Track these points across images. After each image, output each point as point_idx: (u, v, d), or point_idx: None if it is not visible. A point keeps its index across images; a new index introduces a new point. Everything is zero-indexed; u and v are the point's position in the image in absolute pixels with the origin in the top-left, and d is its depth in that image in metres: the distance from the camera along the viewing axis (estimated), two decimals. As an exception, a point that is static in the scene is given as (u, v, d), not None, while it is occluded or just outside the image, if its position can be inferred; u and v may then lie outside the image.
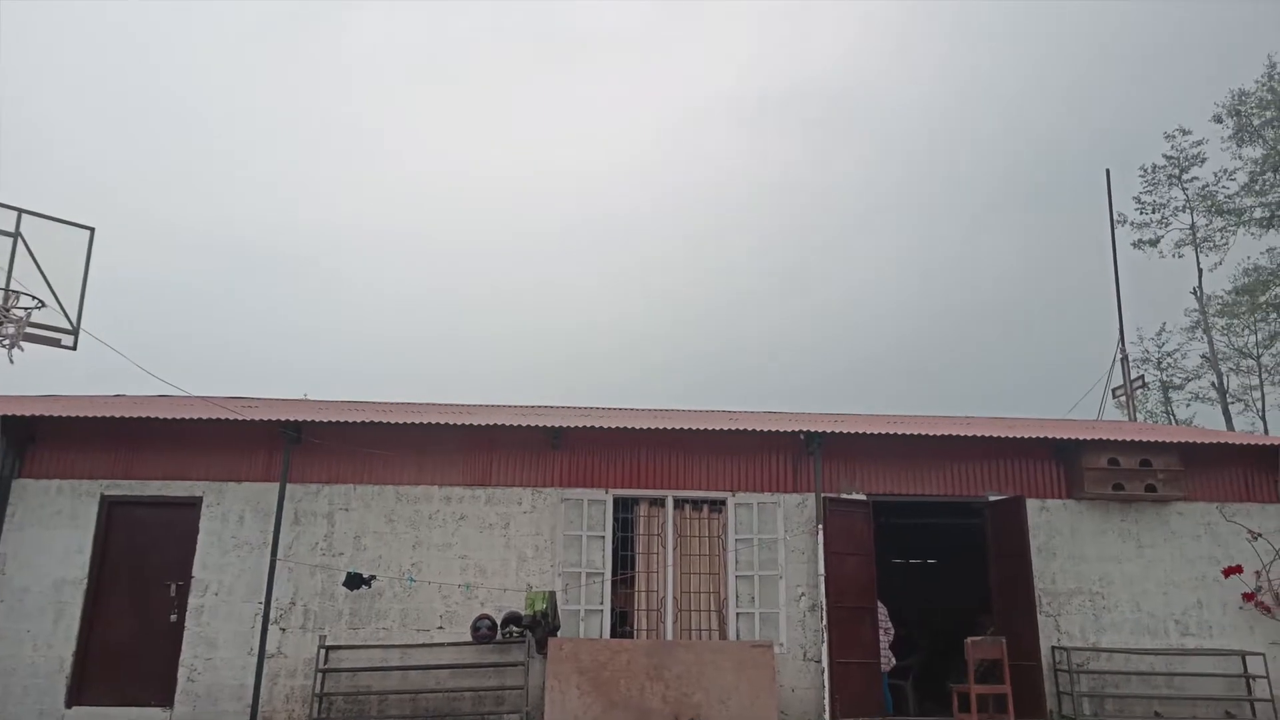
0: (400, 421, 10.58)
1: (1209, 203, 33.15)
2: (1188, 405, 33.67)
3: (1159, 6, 61.68)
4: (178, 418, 10.37)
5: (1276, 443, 11.30)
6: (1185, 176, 33.60)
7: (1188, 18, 58.63)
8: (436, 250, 68.41)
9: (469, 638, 10.05)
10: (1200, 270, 32.81)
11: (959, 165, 67.95)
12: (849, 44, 75.79)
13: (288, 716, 9.95)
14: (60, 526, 10.43)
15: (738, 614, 10.59)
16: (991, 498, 11.24)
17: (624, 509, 11.00)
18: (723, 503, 11.00)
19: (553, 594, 10.20)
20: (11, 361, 8.32)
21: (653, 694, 9.70)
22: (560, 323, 65.00)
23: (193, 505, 10.55)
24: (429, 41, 74.31)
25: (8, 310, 8.46)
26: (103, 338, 9.36)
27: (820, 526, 10.71)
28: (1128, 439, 11.09)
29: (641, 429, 10.72)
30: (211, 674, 10.06)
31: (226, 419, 10.43)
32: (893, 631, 11.43)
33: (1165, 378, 34.13)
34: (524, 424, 10.60)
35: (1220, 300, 33.05)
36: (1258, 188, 32.39)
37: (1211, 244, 33.12)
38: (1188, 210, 33.55)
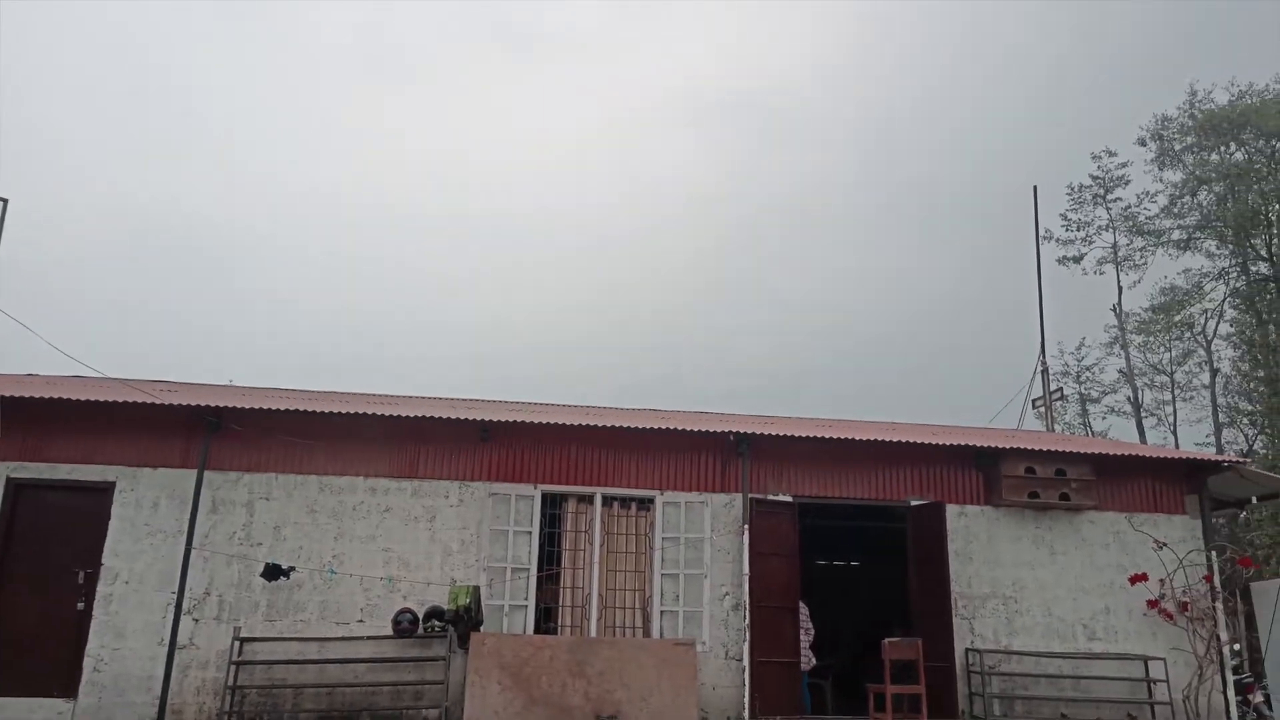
0: (326, 411, 10.39)
1: (1131, 223, 34.33)
2: (1104, 418, 34.83)
3: (1096, 32, 63.68)
4: (92, 400, 10.02)
5: (1183, 456, 11.76)
6: (1110, 197, 34.76)
7: (1123, 45, 60.64)
8: (371, 244, 67.44)
9: (390, 631, 9.92)
10: (1120, 288, 33.99)
11: (901, 178, 69.29)
12: (798, 56, 76.70)
13: (198, 709, 9.70)
14: (-38, 509, 10.01)
15: (662, 612, 10.63)
16: (913, 502, 11.49)
17: (552, 505, 10.96)
18: (651, 501, 11.04)
19: (477, 589, 10.12)
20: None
21: (574, 691, 9.69)
22: (498, 317, 64.58)
23: (105, 491, 10.21)
24: (374, 32, 73.09)
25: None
26: (19, 315, 9.00)
27: (746, 527, 10.82)
28: (1044, 449, 11.43)
29: (572, 425, 10.71)
30: (119, 664, 9.75)
31: (144, 403, 10.11)
32: (813, 631, 11.61)
33: (1084, 391, 35.26)
34: (453, 417, 10.49)
35: (1138, 318, 34.24)
36: (1176, 210, 33.64)
37: (1132, 263, 34.31)
38: (1111, 230, 34.71)
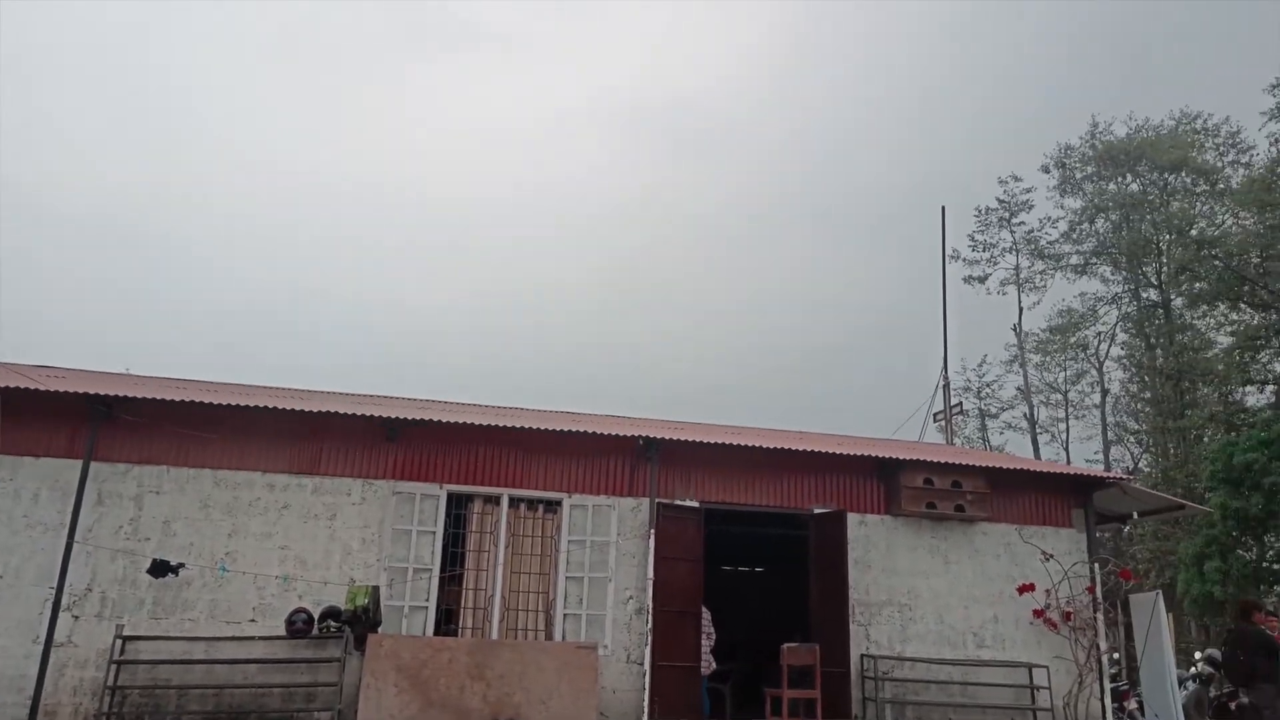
0: (224, 403, 10.03)
1: (1033, 246, 35.71)
2: (1001, 433, 36.13)
3: (1014, 67, 66.04)
4: (-31, 383, 9.48)
5: (1071, 472, 12.26)
6: (1014, 220, 36.08)
7: (1038, 76, 63.04)
8: (283, 237, 65.67)
9: (283, 632, 9.64)
10: (1021, 308, 35.34)
11: (820, 196, 70.66)
12: (726, 70, 77.57)
13: (74, 710, 9.25)
14: None
15: (565, 615, 10.59)
16: (816, 510, 11.70)
17: (458, 505, 10.82)
18: (558, 503, 10.99)
19: (376, 589, 9.92)
20: None
21: (473, 693, 9.57)
22: (412, 314, 63.54)
23: (-19, 480, 9.67)
24: (292, 21, 71.17)
25: None
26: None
27: (652, 531, 10.86)
28: (942, 461, 11.78)
29: (481, 425, 10.58)
30: (-11, 663, 9.24)
31: (26, 389, 9.61)
32: (714, 635, 11.72)
33: (984, 406, 36.49)
34: (358, 413, 10.25)
35: (1036, 338, 35.62)
36: (1075, 236, 35.13)
37: (1032, 285, 35.71)
38: (1014, 252, 36.03)
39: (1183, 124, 33.56)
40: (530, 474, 10.98)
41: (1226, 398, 27.65)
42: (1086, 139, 35.37)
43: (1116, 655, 15.52)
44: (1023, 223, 35.78)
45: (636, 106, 77.21)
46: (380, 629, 9.84)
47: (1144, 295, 33.22)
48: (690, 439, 11.24)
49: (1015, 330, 35.24)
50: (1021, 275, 35.46)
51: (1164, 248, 31.92)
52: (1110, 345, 34.40)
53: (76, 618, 9.50)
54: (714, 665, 11.70)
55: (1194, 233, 29.49)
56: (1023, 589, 11.55)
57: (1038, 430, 34.98)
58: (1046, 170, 35.85)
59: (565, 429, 10.81)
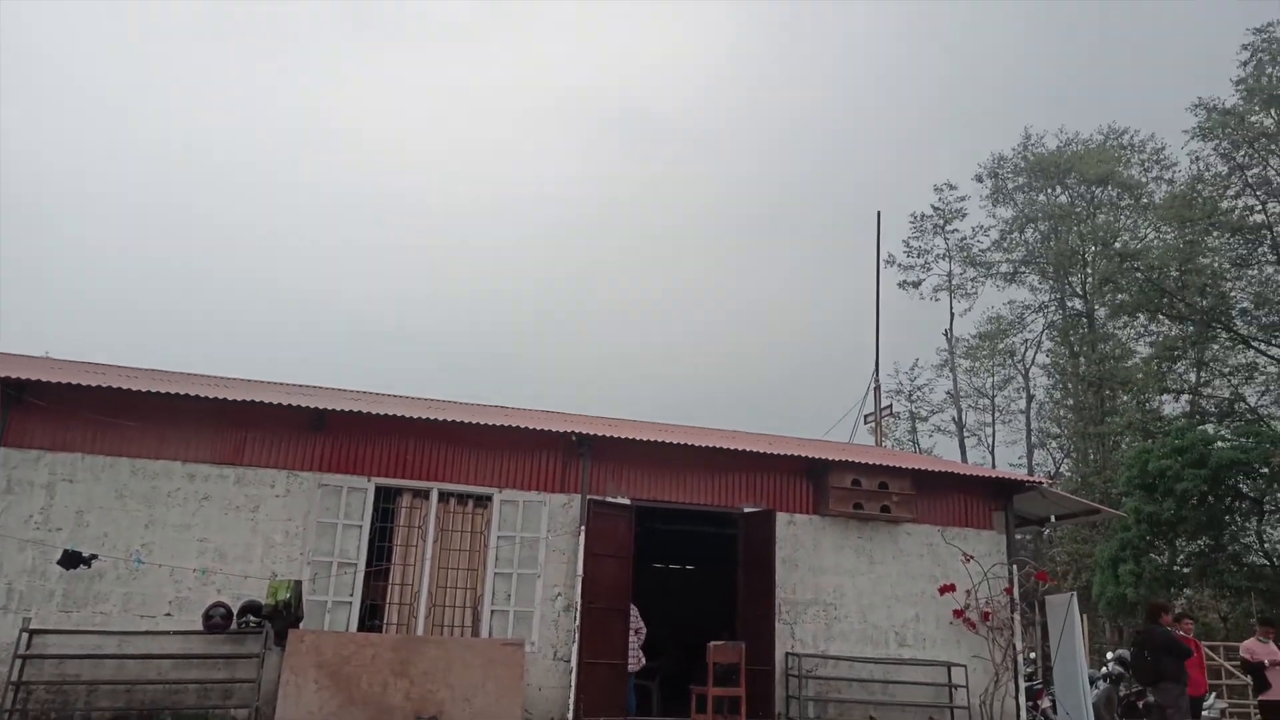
0: (143, 389, 9.73)
1: (965, 254, 36.50)
2: (931, 436, 36.90)
3: (956, 75, 67.34)
4: None
5: (993, 475, 12.56)
6: (948, 228, 36.84)
7: (978, 84, 64.38)
8: (203, 225, 64.05)
9: (200, 626, 9.39)
10: (952, 314, 36.12)
11: (760, 196, 71.21)
12: (669, 71, 77.68)
13: (-25, 707, 8.90)
14: None
15: (493, 611, 10.51)
16: (746, 509, 11.80)
17: (386, 499, 10.66)
18: (489, 498, 10.90)
19: (298, 583, 9.72)
20: None
21: (396, 690, 9.44)
22: (345, 307, 62.48)
23: (-121, 465, 9.23)
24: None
25: None
26: None
27: (583, 528, 10.84)
28: (870, 462, 11.97)
29: (411, 418, 10.43)
30: (-116, 657, 8.83)
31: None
32: (644, 631, 11.76)
33: (914, 409, 37.21)
34: (284, 403, 10.03)
35: (966, 343, 36.44)
36: (1005, 245, 36.01)
37: (964, 291, 36.51)
38: (947, 259, 36.79)
39: (1110, 139, 34.64)
40: (461, 468, 10.86)
41: (1144, 406, 28.62)
42: (1019, 150, 36.29)
43: (1033, 654, 15.96)
44: (956, 230, 36.59)
45: (573, 108, 77.00)
46: (302, 624, 9.64)
47: (1069, 305, 34.22)
48: (623, 436, 11.24)
49: (946, 335, 36.03)
50: (954, 282, 36.26)
51: (1089, 259, 32.91)
52: (1036, 352, 35.39)
53: (-20, 610, 9.13)
54: (643, 661, 11.73)
55: (1118, 245, 30.47)
56: (944, 589, 11.81)
57: (965, 434, 35.81)
58: (980, 180, 36.71)
59: (497, 423, 10.73)
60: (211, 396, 9.79)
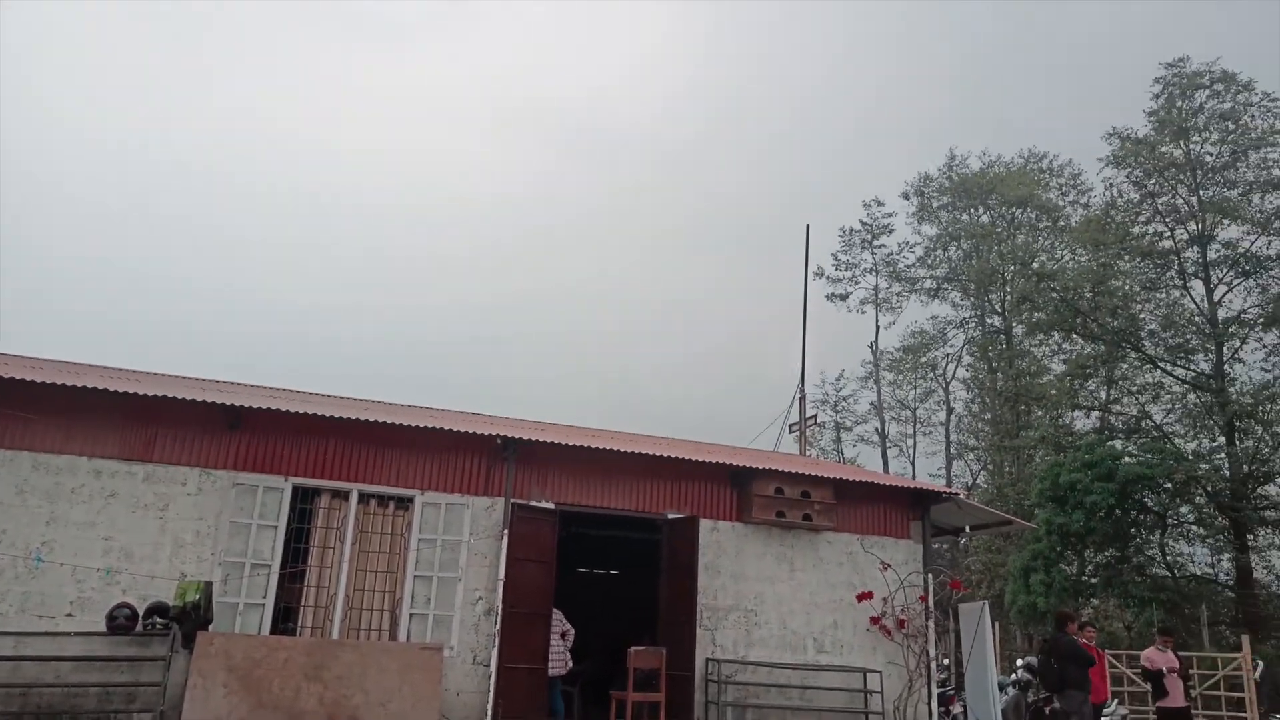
0: (47, 381, 9.32)
1: (891, 269, 37.33)
2: (854, 446, 37.60)
3: (889, 91, 68.81)
4: None
5: (910, 486, 12.82)
6: (876, 242, 37.64)
7: (910, 104, 65.89)
8: (121, 217, 62.01)
9: (103, 628, 9.03)
10: (878, 327, 36.89)
11: (693, 204, 71.72)
12: (600, 76, 77.80)
13: None
14: None
15: (411, 615, 10.34)
16: (670, 515, 11.83)
17: (303, 499, 10.41)
18: (410, 501, 10.73)
19: (208, 585, 9.42)
20: None
21: (309, 695, 9.22)
22: (269, 302, 61.02)
23: None
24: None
25: None
26: None
27: (506, 531, 10.74)
28: (793, 471, 12.12)
29: (331, 417, 10.20)
30: None
31: None
32: (572, 633, 11.74)
33: (839, 419, 37.87)
34: (198, 399, 9.71)
35: (890, 356, 37.24)
36: (930, 261, 36.94)
37: (889, 305, 37.33)
38: (874, 273, 37.57)
39: (1031, 163, 35.81)
40: (382, 469, 10.67)
41: (1057, 421, 29.58)
42: (944, 170, 37.29)
43: (946, 661, 16.34)
44: (883, 245, 37.42)
45: (509, 106, 76.63)
46: (212, 627, 9.36)
47: (989, 321, 35.24)
48: (548, 440, 11.18)
49: (872, 348, 36.79)
50: (880, 296, 37.06)
51: (1008, 278, 33.93)
52: (957, 367, 36.37)
53: None
54: (570, 664, 11.71)
55: (1035, 265, 31.46)
56: (861, 596, 12.01)
57: (888, 445, 36.60)
58: (907, 197, 37.60)
59: (421, 424, 10.57)
60: (121, 391, 9.44)
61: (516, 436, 11.00)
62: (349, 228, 69.89)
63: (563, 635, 11.72)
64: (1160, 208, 26.43)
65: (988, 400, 34.17)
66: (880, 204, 37.30)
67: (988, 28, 66.09)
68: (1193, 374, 25.69)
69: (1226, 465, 23.79)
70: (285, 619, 10.10)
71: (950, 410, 36.01)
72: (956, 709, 13.49)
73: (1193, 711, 13.01)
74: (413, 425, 10.53)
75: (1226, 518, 23.41)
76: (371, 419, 10.37)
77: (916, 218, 37.27)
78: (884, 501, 12.77)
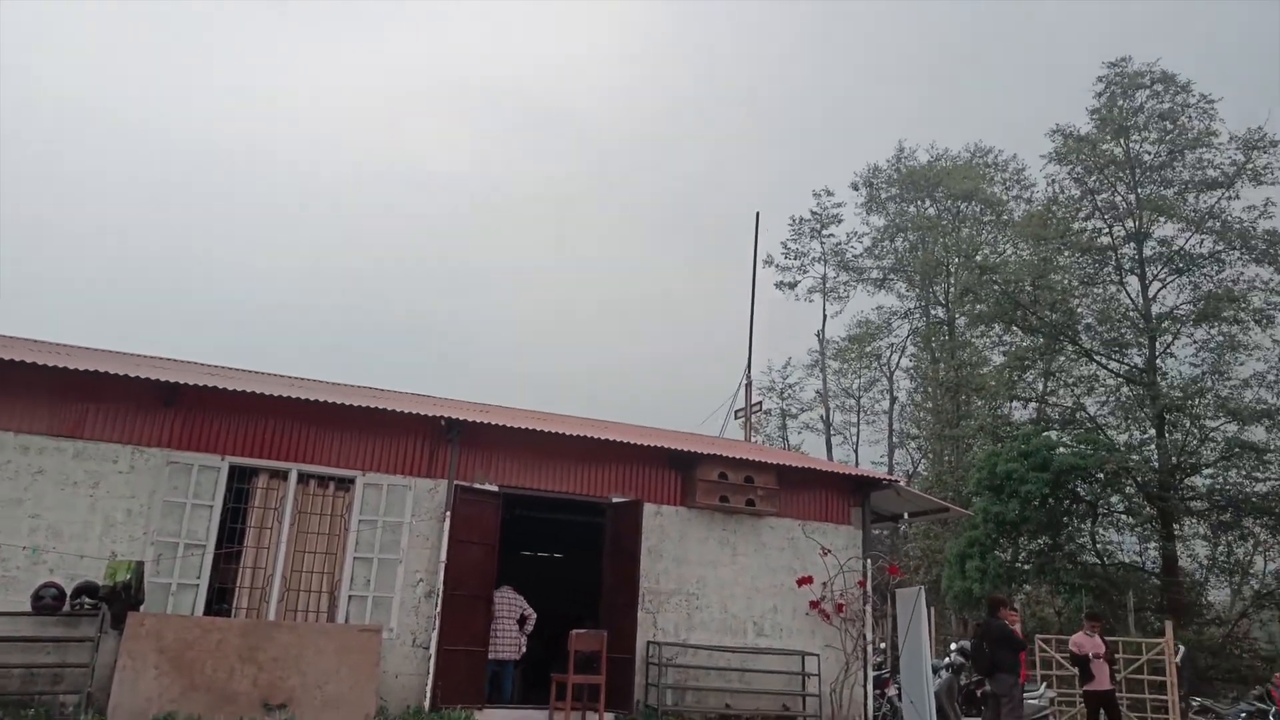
0: (-28, 353, 9.02)
1: (839, 258, 37.70)
2: (799, 433, 38.00)
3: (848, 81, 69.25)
4: None
5: (851, 473, 13.01)
6: (825, 232, 37.96)
7: (863, 94, 66.41)
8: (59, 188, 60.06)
9: (29, 607, 8.78)
10: (825, 316, 37.26)
11: (645, 190, 71.61)
12: (559, 60, 77.15)
13: None
14: None
15: (350, 597, 10.23)
16: (615, 499, 11.85)
17: (240, 478, 10.22)
18: (351, 481, 10.59)
19: (140, 564, 9.22)
20: None
21: (243, 677, 9.08)
22: (205, 277, 59.67)
23: None
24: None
25: None
26: None
27: (449, 513, 10.67)
28: (736, 456, 12.22)
29: (271, 396, 10.02)
30: None
31: None
32: (533, 618, 11.73)
33: (784, 406, 38.23)
34: (132, 374, 9.47)
35: (836, 345, 37.64)
36: (877, 252, 37.37)
37: (836, 295, 37.71)
38: (822, 262, 37.91)
39: (977, 157, 36.39)
40: (323, 450, 10.52)
41: (995, 411, 30.20)
42: (893, 162, 37.71)
43: (883, 645, 16.64)
44: (832, 235, 37.76)
45: (466, 88, 75.69)
46: (143, 608, 9.16)
47: (932, 312, 35.81)
48: (493, 422, 11.11)
49: (818, 337, 37.17)
50: (827, 285, 37.42)
51: (952, 270, 34.50)
52: (901, 357, 36.91)
53: None
54: (524, 649, 11.73)
55: (978, 258, 32.03)
56: (802, 581, 12.17)
57: (832, 432, 37.05)
58: (856, 188, 37.97)
59: (363, 405, 10.44)
60: (51, 365, 9.15)
61: (461, 418, 10.91)
62: (301, 203, 68.50)
63: (521, 620, 11.71)
64: (1099, 204, 27.04)
65: (930, 390, 34.76)
66: (830, 194, 37.66)
67: (946, 22, 66.86)
68: (1126, 368, 26.38)
69: (1156, 457, 24.52)
70: (220, 600, 9.93)
71: (893, 399, 36.59)
72: (891, 691, 13.74)
73: (1117, 694, 13.42)
74: (355, 405, 10.38)
75: (1154, 508, 24.16)
76: (312, 398, 10.20)
77: (865, 209, 37.69)
78: (826, 488, 12.94)
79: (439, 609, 10.32)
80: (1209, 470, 24.68)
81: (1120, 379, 26.67)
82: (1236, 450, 23.70)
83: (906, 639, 13.07)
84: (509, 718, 10.63)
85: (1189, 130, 26.30)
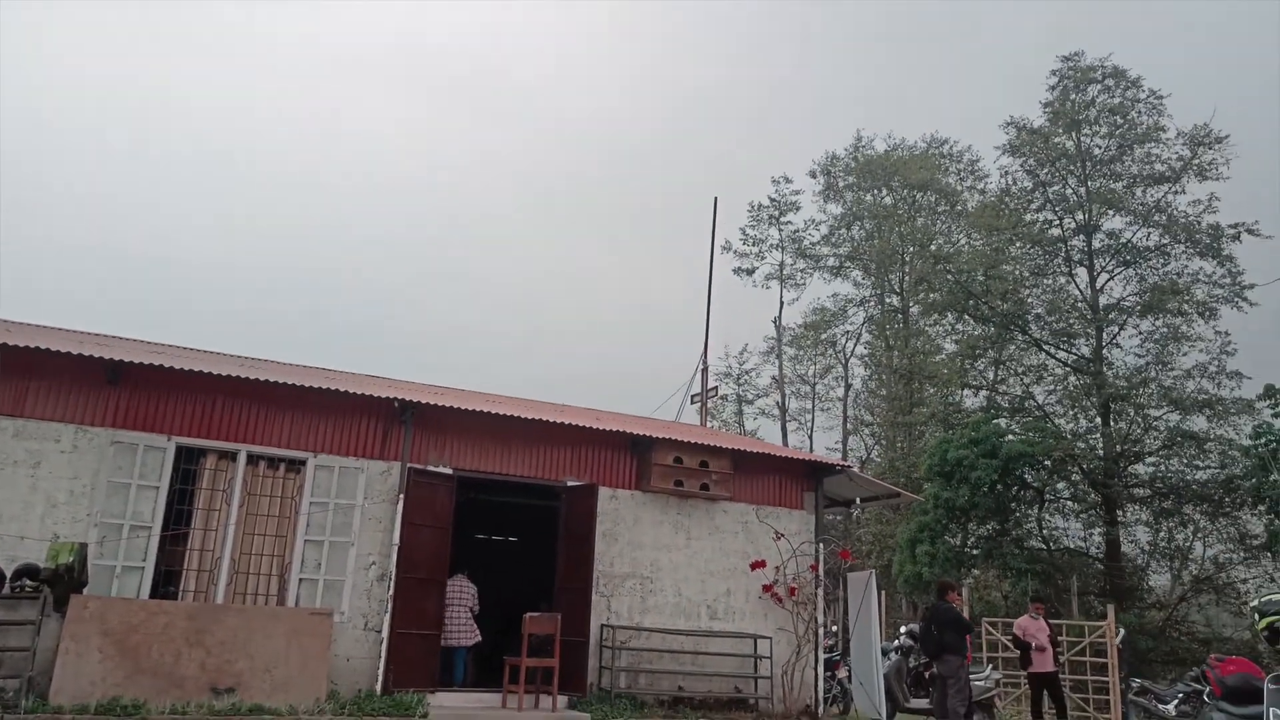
0: (-93, 329, 8.74)
1: (797, 245, 37.89)
2: (755, 419, 38.23)
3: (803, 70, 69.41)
4: None
5: (805, 458, 13.12)
6: (783, 219, 38.11)
7: (822, 83, 66.67)
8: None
9: (-35, 591, 8.56)
10: (782, 303, 37.46)
11: (607, 172, 71.33)
12: (518, 40, 76.39)
13: None
14: None
15: (301, 580, 10.11)
16: (570, 483, 11.84)
17: (188, 459, 10.03)
18: (302, 463, 10.45)
19: (83, 546, 9.00)
20: None
21: (190, 660, 8.94)
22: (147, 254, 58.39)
23: None
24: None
25: None
26: None
27: (402, 496, 10.58)
28: (692, 441, 12.26)
29: (220, 375, 9.84)
30: None
31: None
32: (477, 607, 11.71)
33: (741, 392, 38.43)
34: (74, 352, 9.22)
35: (792, 332, 37.89)
36: (834, 240, 37.62)
37: (794, 282, 37.92)
38: (780, 249, 38.08)
39: (933, 148, 36.75)
40: (273, 430, 10.36)
41: (947, 399, 30.65)
42: (851, 151, 37.96)
43: (834, 628, 16.87)
44: (790, 222, 37.93)
45: (419, 62, 74.69)
46: (87, 590, 8.96)
47: (887, 300, 36.18)
48: (448, 404, 11.03)
49: (775, 323, 37.36)
50: (785, 272, 37.61)
51: (907, 259, 34.88)
52: (856, 344, 37.26)
53: None
54: (478, 636, 11.72)
55: (933, 248, 32.41)
56: (755, 565, 12.27)
57: (788, 418, 37.33)
58: (814, 175, 38.17)
59: (315, 385, 10.29)
60: (-11, 341, 8.89)
61: (415, 400, 10.81)
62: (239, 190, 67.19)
63: (470, 607, 11.71)
64: (1051, 196, 27.48)
65: (884, 377, 35.15)
66: (789, 181, 37.79)
67: (904, 11, 67.35)
68: (1074, 357, 26.90)
69: (1101, 445, 25.07)
70: (167, 583, 9.76)
71: (848, 386, 36.95)
72: (842, 674, 13.94)
73: (1060, 676, 13.74)
74: (306, 386, 10.23)
75: (1099, 494, 24.73)
76: (262, 378, 10.04)
77: (823, 196, 37.91)
78: (780, 473, 13.05)
79: (391, 592, 10.25)
80: (1151, 458, 25.29)
81: (1068, 368, 27.19)
82: (1178, 439, 24.32)
83: (857, 622, 13.27)
84: (462, 701, 10.59)
85: (1138, 125, 26.79)
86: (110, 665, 8.63)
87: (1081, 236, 26.82)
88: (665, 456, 11.98)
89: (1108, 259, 26.65)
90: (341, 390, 10.41)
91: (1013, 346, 28.26)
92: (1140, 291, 26.11)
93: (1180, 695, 12.01)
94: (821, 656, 12.61)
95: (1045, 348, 27.34)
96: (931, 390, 31.60)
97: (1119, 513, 24.89)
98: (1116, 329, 26.35)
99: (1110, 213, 26.53)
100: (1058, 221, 27.42)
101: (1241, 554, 23.84)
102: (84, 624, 8.65)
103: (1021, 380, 28.67)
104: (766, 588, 12.32)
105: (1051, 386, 28.04)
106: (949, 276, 27.98)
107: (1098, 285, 26.63)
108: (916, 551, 23.47)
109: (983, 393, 29.72)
